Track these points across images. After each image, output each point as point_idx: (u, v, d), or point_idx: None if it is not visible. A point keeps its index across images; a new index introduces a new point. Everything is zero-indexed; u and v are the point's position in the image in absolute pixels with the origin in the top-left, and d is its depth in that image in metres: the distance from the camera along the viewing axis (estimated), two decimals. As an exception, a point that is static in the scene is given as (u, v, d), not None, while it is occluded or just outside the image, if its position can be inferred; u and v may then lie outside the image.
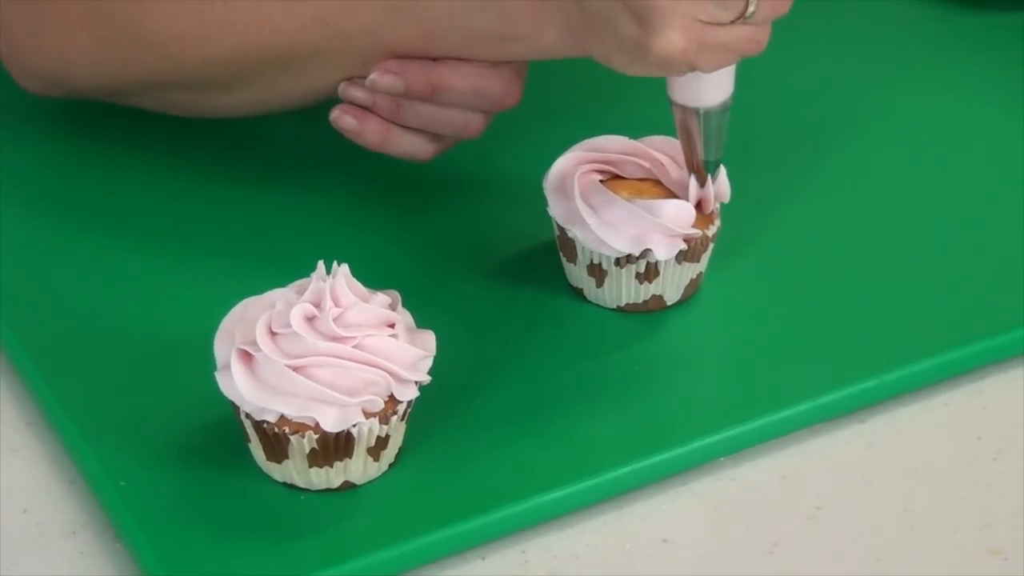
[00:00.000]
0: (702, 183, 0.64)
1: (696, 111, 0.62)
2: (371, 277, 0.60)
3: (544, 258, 0.68)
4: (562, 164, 0.67)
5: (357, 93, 0.66)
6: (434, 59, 0.65)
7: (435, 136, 0.67)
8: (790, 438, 0.62)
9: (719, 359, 0.65)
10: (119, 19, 0.66)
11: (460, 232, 0.70)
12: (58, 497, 0.59)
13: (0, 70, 0.72)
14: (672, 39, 0.58)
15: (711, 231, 0.66)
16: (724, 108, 0.63)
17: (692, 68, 0.60)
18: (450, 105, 0.66)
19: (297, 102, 0.68)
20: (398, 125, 0.66)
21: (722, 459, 0.62)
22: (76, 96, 0.71)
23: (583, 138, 0.67)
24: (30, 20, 0.68)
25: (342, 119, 0.66)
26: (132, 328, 0.64)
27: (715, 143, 0.63)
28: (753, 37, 0.60)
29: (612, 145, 0.66)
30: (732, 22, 0.59)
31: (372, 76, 0.65)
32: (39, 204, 0.71)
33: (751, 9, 0.58)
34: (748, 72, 0.77)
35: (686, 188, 0.65)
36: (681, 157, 0.65)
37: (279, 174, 0.72)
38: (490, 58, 0.65)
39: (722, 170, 0.65)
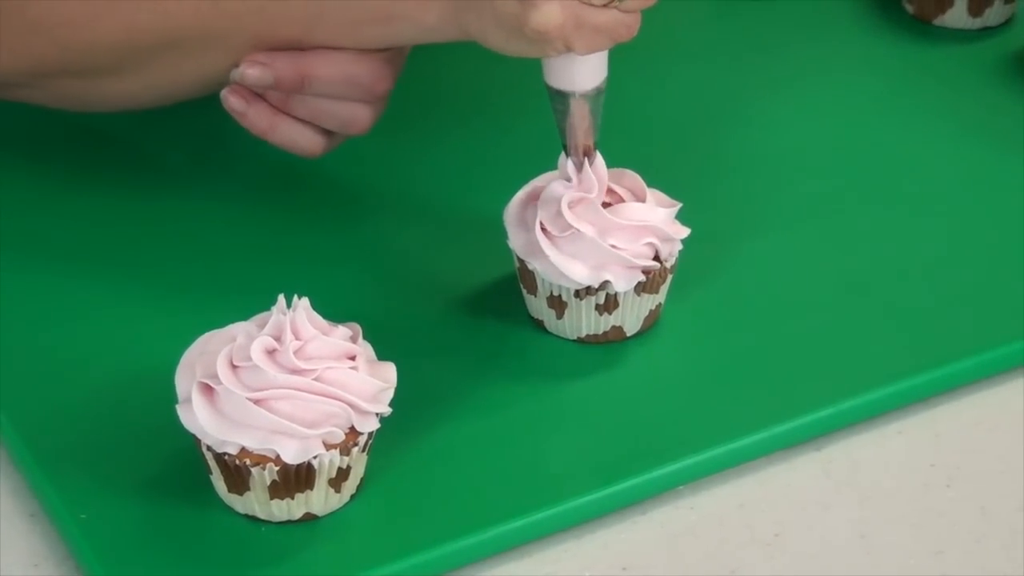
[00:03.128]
0: (579, 167, 0.66)
1: (572, 95, 0.64)
2: (332, 310, 0.61)
3: (505, 289, 0.69)
4: (521, 197, 0.68)
5: (250, 78, 0.66)
6: (302, 50, 0.65)
7: (323, 130, 0.68)
8: (747, 467, 0.63)
9: (678, 389, 0.65)
10: (6, 4, 0.66)
11: (421, 264, 0.70)
12: (20, 530, 0.60)
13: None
14: (550, 13, 0.60)
15: (669, 263, 0.67)
16: (599, 92, 0.65)
17: (567, 47, 0.62)
18: (325, 96, 0.66)
19: (189, 89, 0.68)
20: (286, 114, 0.67)
21: (681, 488, 0.62)
22: None
23: (543, 171, 0.68)
24: None
25: (230, 99, 0.67)
26: (93, 361, 0.65)
27: (591, 127, 0.65)
28: (625, 22, 0.62)
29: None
30: (605, 5, 0.61)
31: (240, 68, 0.66)
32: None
33: None
34: (708, 103, 0.79)
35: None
36: (632, 186, 0.66)
37: (240, 208, 0.73)
38: (372, 43, 0.65)
39: (598, 154, 0.66)
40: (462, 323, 0.68)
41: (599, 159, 0.66)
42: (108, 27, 0.66)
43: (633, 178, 0.67)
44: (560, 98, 0.64)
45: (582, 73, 0.64)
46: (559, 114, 0.65)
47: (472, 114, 0.78)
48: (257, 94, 0.67)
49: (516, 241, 0.67)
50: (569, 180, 0.66)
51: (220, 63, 0.66)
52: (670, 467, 0.62)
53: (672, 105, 0.79)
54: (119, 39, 0.66)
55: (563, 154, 0.66)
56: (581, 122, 0.64)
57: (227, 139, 0.75)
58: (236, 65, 0.66)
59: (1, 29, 0.67)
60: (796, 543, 0.60)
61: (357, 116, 0.67)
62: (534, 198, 0.68)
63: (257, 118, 0.67)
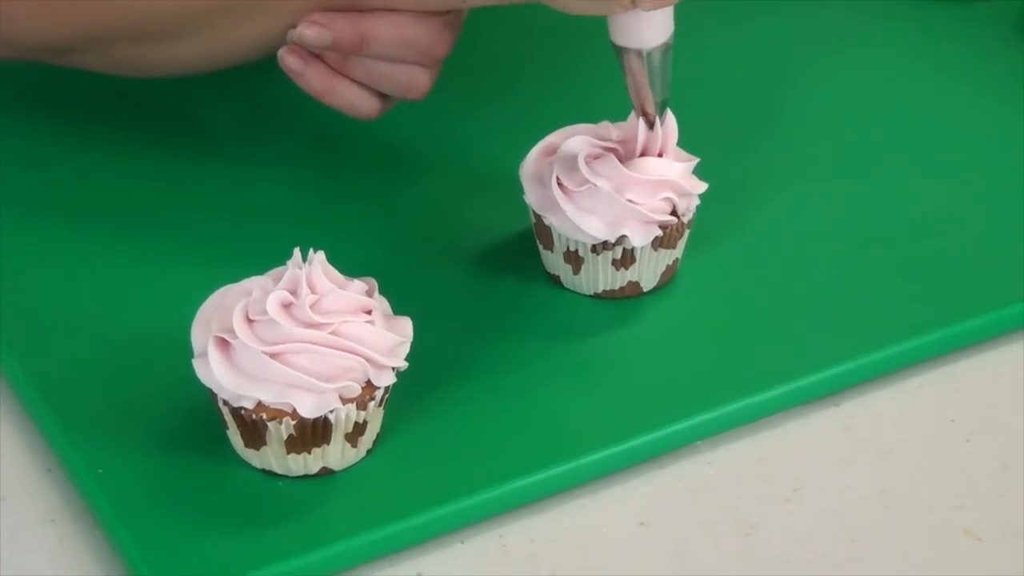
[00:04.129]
0: (650, 125, 0.65)
1: (639, 52, 0.63)
2: (348, 264, 0.60)
3: (521, 245, 0.68)
4: (537, 152, 0.67)
5: (308, 38, 0.65)
6: (361, 11, 0.65)
7: (380, 94, 0.67)
8: (766, 422, 0.63)
9: (695, 344, 0.65)
10: None
11: (437, 219, 0.70)
12: (36, 485, 0.60)
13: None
14: None
15: (687, 218, 0.66)
16: (666, 48, 0.64)
17: (633, 4, 0.61)
18: (383, 58, 0.65)
19: (245, 53, 0.68)
20: (344, 76, 0.66)
21: (698, 443, 0.62)
22: (19, 56, 0.70)
23: (559, 126, 0.68)
24: None
25: (287, 59, 0.66)
26: (109, 316, 0.64)
27: (660, 84, 0.64)
28: None
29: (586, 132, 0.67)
30: None
31: (298, 28, 0.65)
32: (9, 196, 0.70)
33: None
34: (728, 59, 0.78)
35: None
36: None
37: (254, 163, 0.72)
38: (433, 4, 0.65)
39: (669, 112, 0.65)
40: (478, 279, 0.67)
41: (670, 117, 0.65)
42: None
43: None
44: (627, 56, 0.63)
45: (650, 29, 0.63)
46: (626, 73, 0.64)
47: (486, 71, 0.78)
48: (315, 55, 0.66)
49: (532, 196, 0.66)
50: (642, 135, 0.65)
51: (278, 25, 0.65)
52: (688, 422, 0.62)
53: (695, 61, 0.78)
54: (177, 3, 0.65)
55: (633, 112, 0.65)
56: (649, 80, 0.63)
57: (238, 100, 0.75)
58: (293, 26, 0.65)
59: None
60: (815, 498, 0.60)
61: (415, 80, 0.66)
62: (550, 153, 0.67)
63: (315, 79, 0.66)
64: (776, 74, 0.78)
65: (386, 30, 0.65)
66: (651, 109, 0.64)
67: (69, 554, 0.58)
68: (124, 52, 0.68)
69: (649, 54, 0.63)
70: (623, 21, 0.63)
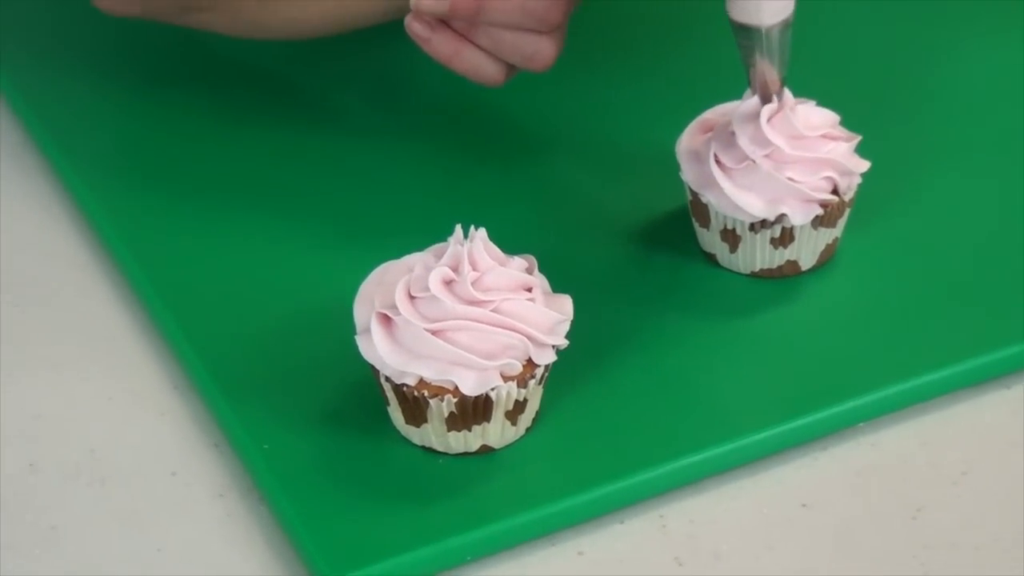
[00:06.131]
0: (766, 101, 0.64)
1: (758, 29, 0.62)
2: (505, 244, 0.60)
3: (676, 223, 0.68)
4: (694, 128, 0.67)
5: (425, 5, 0.65)
6: None
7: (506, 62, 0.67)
8: (931, 404, 0.62)
9: (856, 324, 0.64)
10: None
11: (592, 198, 0.69)
12: (205, 460, 0.60)
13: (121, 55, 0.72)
14: None
15: (848, 196, 0.65)
16: (786, 26, 0.62)
17: None
18: (500, 25, 0.65)
19: (368, 14, 0.68)
20: (470, 42, 0.66)
21: (861, 424, 0.61)
22: (145, 14, 0.70)
23: (707, 99, 0.67)
24: None
25: (413, 25, 0.66)
26: (273, 293, 0.65)
27: (779, 62, 0.63)
28: None
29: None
30: None
31: None
32: (170, 173, 0.71)
33: None
34: (893, 38, 0.77)
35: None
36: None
37: (412, 145, 0.72)
38: None
39: (786, 90, 0.64)
40: (634, 257, 0.67)
41: (787, 95, 0.64)
42: None
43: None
44: (745, 33, 0.62)
45: (769, 5, 0.62)
46: (744, 50, 0.63)
47: (643, 49, 0.77)
48: (441, 22, 0.66)
49: (689, 173, 0.66)
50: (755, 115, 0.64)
51: None
52: (850, 403, 0.61)
53: (858, 38, 0.77)
54: None
55: (748, 90, 0.64)
56: (768, 58, 0.63)
57: (399, 80, 0.75)
58: None
59: None
60: (984, 482, 0.59)
61: (540, 50, 0.66)
62: (707, 129, 0.66)
63: (441, 45, 0.66)
64: (944, 53, 0.76)
65: None
66: (770, 88, 0.63)
67: (237, 528, 0.58)
68: (249, 9, 0.69)
69: (767, 31, 0.62)
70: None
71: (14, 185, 0.72)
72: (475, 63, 0.66)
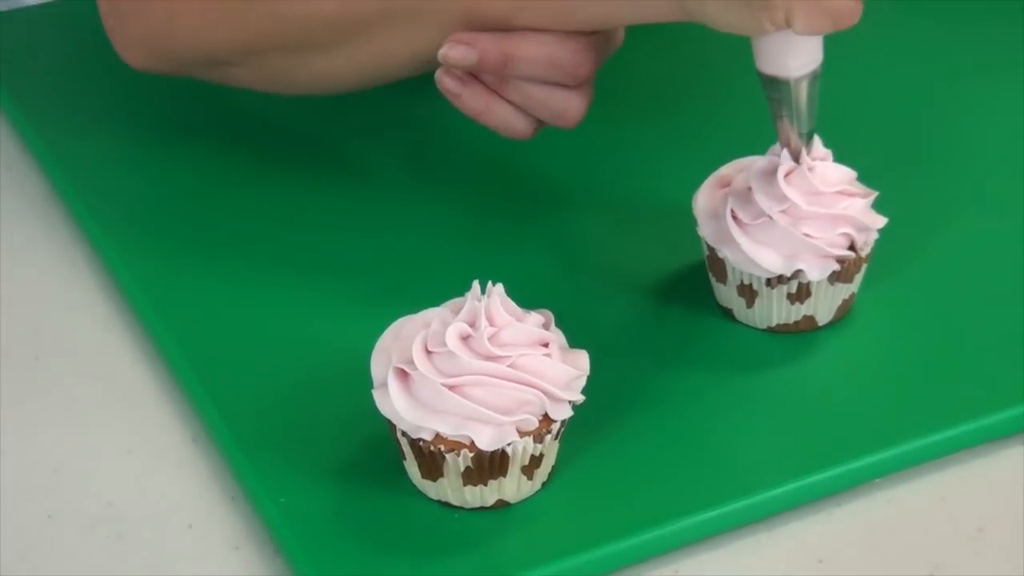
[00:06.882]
0: (796, 157, 0.64)
1: (786, 81, 0.62)
2: (521, 297, 0.60)
3: (693, 278, 0.68)
4: (710, 184, 0.67)
5: (454, 58, 0.65)
6: (507, 31, 0.65)
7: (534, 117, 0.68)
8: (948, 459, 0.61)
9: (873, 380, 0.64)
10: None
11: (609, 252, 0.70)
12: (222, 513, 0.60)
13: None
14: None
15: (865, 252, 0.65)
16: (814, 78, 0.62)
17: (787, 19, 0.60)
18: (527, 78, 0.66)
19: (395, 69, 0.68)
20: (500, 97, 0.67)
21: (877, 480, 0.61)
22: (176, 70, 0.71)
23: (721, 153, 0.67)
24: None
25: (444, 80, 0.66)
26: (291, 347, 0.65)
27: (807, 115, 0.63)
28: (849, 7, 0.60)
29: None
30: None
31: (443, 49, 0.65)
32: (189, 227, 0.72)
33: None
34: (904, 87, 0.77)
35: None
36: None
37: (428, 197, 0.73)
38: (583, 22, 0.64)
39: (817, 141, 0.64)
40: (650, 311, 0.67)
41: (818, 144, 0.64)
42: None
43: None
44: (773, 85, 0.62)
45: (798, 56, 0.61)
46: (773, 103, 0.63)
47: (659, 103, 0.78)
48: (472, 76, 0.67)
49: (706, 229, 0.66)
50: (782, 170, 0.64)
51: (429, 40, 0.66)
52: (866, 459, 0.61)
53: (868, 91, 0.77)
54: (335, 11, 0.66)
55: (777, 143, 0.64)
56: (799, 110, 0.63)
57: (411, 131, 0.76)
58: (445, 41, 0.66)
59: (222, 2, 0.68)
60: (1002, 538, 0.59)
61: (569, 107, 0.66)
62: (724, 184, 0.67)
63: (472, 99, 0.67)
64: (953, 105, 0.77)
65: (530, 49, 0.65)
66: (797, 141, 0.64)
67: (252, 581, 0.58)
68: (278, 65, 0.69)
69: (796, 83, 0.62)
70: (771, 47, 0.62)
71: (38, 240, 0.73)
72: (505, 118, 0.67)
